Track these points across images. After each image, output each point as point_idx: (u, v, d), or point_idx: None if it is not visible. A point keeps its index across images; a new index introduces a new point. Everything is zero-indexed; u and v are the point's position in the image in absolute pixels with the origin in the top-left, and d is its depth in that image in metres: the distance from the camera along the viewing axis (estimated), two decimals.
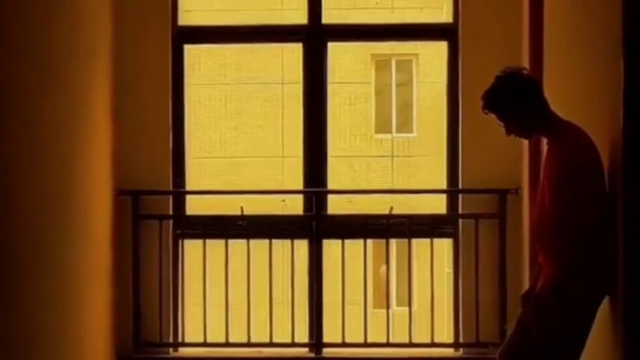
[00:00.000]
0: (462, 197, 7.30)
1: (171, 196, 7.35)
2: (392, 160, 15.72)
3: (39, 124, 5.34)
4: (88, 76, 6.50)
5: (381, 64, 15.91)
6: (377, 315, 7.68)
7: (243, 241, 7.26)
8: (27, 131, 5.12)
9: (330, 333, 7.31)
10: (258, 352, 7.30)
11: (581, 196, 4.49)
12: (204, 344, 7.31)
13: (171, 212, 7.33)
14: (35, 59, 5.29)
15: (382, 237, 7.44)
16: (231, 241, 7.28)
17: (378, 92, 16.06)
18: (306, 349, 7.28)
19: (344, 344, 7.29)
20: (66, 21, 5.94)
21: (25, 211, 5.08)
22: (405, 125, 16.04)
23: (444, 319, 7.46)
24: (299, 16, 7.62)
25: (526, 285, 6.29)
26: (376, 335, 7.36)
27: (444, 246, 7.47)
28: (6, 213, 4.79)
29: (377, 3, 15.22)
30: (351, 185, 11.79)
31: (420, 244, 7.45)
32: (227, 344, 7.30)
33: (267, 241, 7.30)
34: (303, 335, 7.30)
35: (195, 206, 7.68)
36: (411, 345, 7.32)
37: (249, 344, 7.31)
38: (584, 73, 5.22)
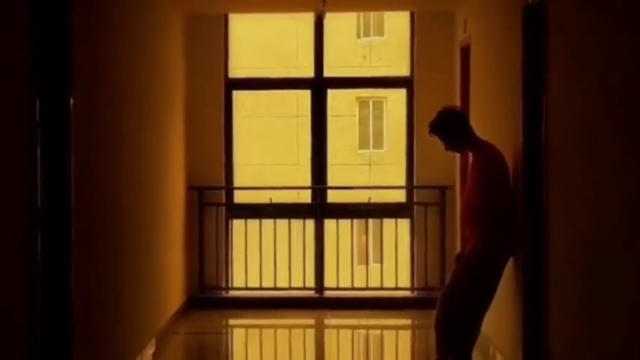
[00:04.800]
0: (416, 191, 7.30)
1: (224, 191, 7.35)
2: (369, 167, 15.72)
3: (137, 143, 5.35)
4: (169, 110, 6.52)
5: (363, 103, 15.88)
6: (360, 269, 7.65)
7: (271, 221, 7.25)
8: (128, 148, 5.13)
9: (329, 280, 7.31)
10: (282, 293, 7.30)
11: (495, 190, 4.50)
12: (246, 288, 7.32)
13: (224, 201, 7.34)
14: (133, 98, 5.31)
15: (363, 218, 7.43)
16: (263, 221, 7.27)
17: (360, 122, 16.04)
18: (312, 292, 7.27)
19: (338, 288, 7.30)
20: (154, 72, 5.96)
21: (129, 201, 5.10)
22: (378, 144, 16.03)
23: (404, 271, 7.43)
24: (308, 71, 7.62)
25: (458, 249, 6.30)
26: (359, 282, 7.35)
27: (404, 224, 7.45)
28: (118, 203, 4.81)
29: (359, 63, 15.27)
30: (343, 183, 11.75)
31: (388, 223, 7.43)
32: (260, 288, 7.30)
33: (287, 220, 7.30)
34: (310, 282, 7.29)
35: (240, 197, 7.68)
36: (382, 288, 7.34)
37: (275, 288, 7.31)
38: (497, 108, 5.23)
